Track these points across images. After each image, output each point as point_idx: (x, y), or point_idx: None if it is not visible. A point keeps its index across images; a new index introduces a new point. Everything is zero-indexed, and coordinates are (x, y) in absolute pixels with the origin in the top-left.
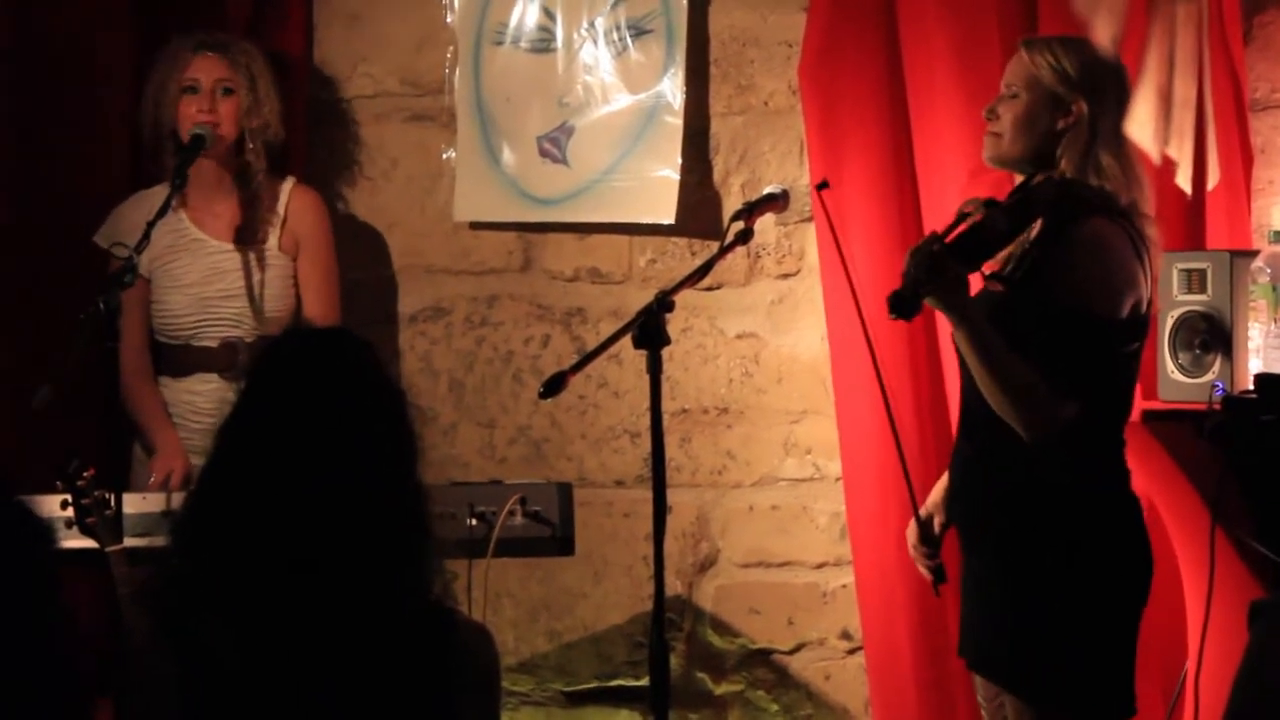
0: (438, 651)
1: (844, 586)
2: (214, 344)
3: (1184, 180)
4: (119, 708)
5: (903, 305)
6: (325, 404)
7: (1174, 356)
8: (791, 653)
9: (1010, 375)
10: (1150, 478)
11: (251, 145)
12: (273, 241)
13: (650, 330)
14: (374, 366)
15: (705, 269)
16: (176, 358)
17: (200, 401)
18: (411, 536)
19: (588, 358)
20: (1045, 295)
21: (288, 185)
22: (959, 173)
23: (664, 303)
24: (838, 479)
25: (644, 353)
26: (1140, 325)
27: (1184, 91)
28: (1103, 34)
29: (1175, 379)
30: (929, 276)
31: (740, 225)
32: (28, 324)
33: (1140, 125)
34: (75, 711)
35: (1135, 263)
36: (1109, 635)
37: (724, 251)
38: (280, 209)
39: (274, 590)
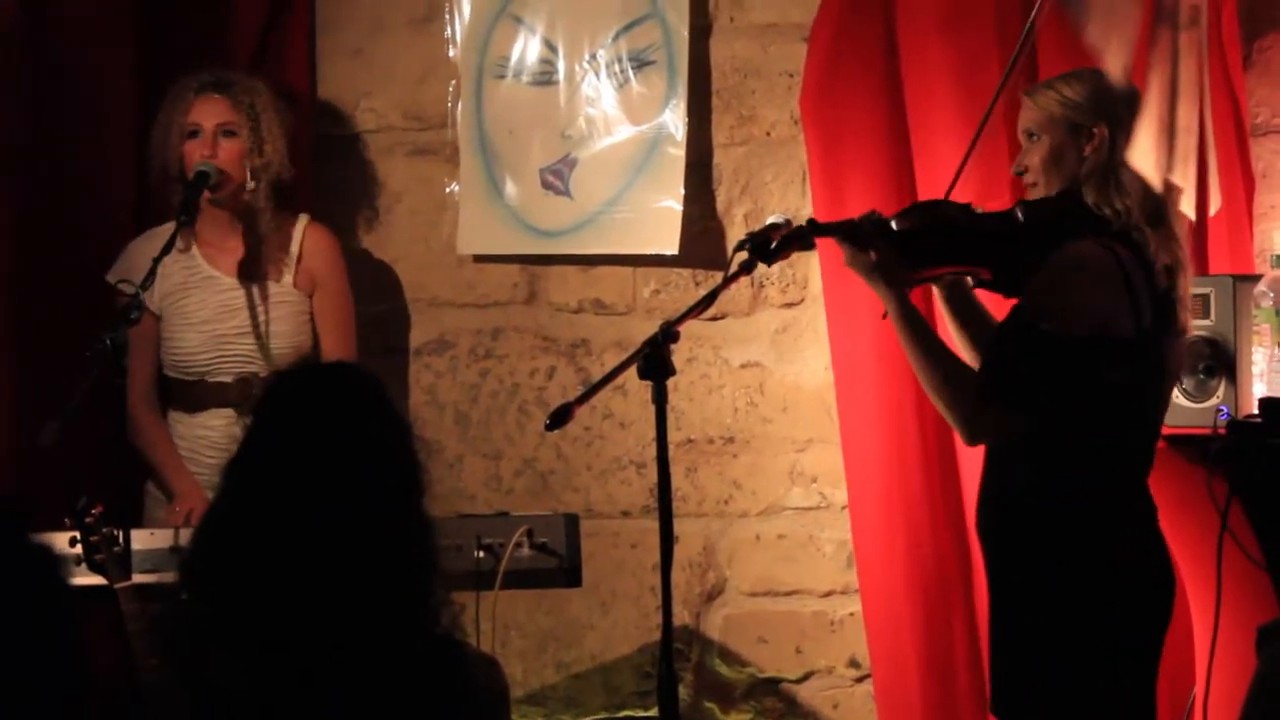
0: (447, 684)
1: (851, 614)
2: (229, 379)
3: (1188, 206)
4: None
5: (757, 243)
6: (331, 438)
7: (1179, 382)
8: (799, 681)
9: (944, 376)
10: (1156, 503)
11: (253, 185)
12: (288, 279)
13: (655, 361)
14: (380, 400)
15: (710, 299)
16: (190, 394)
17: (215, 436)
18: (418, 570)
19: (593, 389)
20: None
21: (301, 223)
22: (961, 199)
23: (669, 333)
24: (844, 507)
25: (649, 384)
26: (1125, 351)
27: (1186, 118)
28: (1114, 65)
29: (1180, 404)
30: (789, 238)
31: (744, 255)
32: (36, 361)
33: (1142, 154)
34: None
35: (1115, 287)
36: (1128, 670)
37: (728, 281)
38: (294, 247)
39: (282, 625)
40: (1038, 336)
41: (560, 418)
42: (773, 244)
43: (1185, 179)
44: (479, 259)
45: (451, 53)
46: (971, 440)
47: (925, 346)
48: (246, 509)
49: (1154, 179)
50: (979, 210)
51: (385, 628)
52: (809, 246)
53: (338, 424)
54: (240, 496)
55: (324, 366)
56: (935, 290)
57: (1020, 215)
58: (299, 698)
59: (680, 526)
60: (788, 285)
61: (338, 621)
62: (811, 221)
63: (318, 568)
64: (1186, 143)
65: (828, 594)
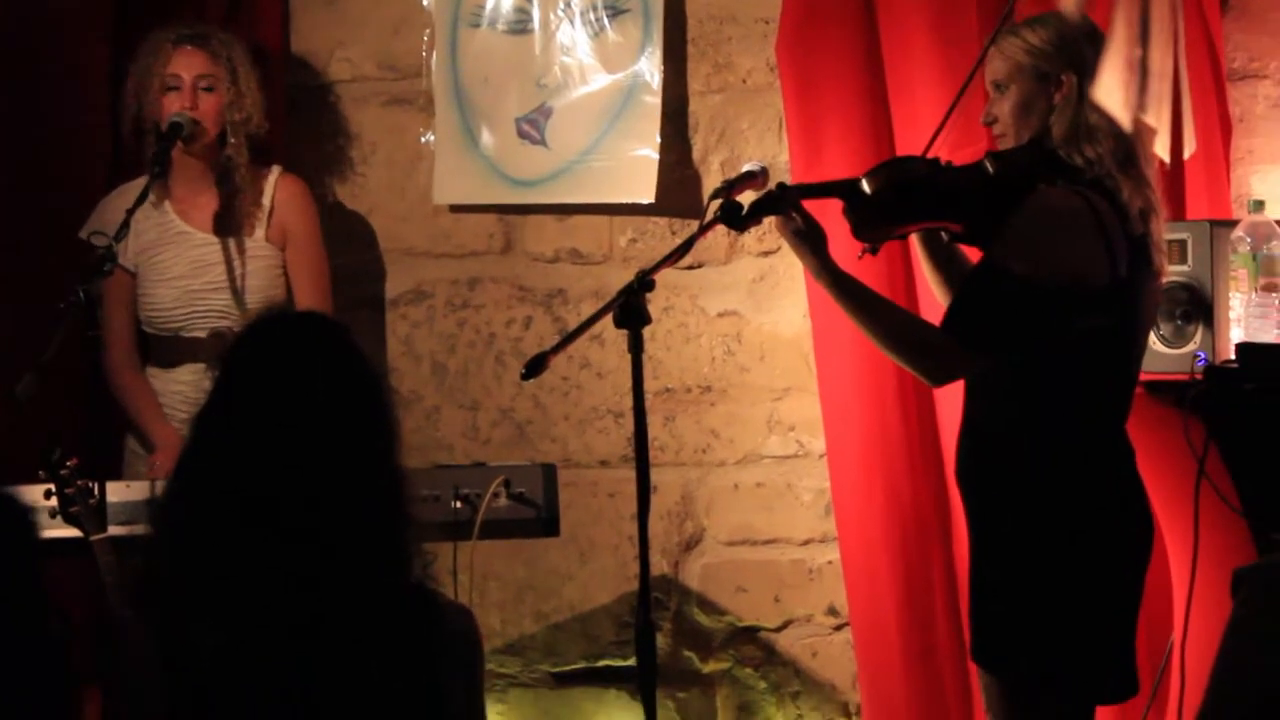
0: (420, 633)
1: (830, 563)
2: (203, 334)
3: (1162, 149)
4: (108, 696)
5: (730, 214)
6: (300, 387)
7: (1156, 327)
8: (778, 630)
9: (891, 330)
10: (1134, 448)
11: (234, 139)
12: (260, 233)
13: (631, 310)
14: (350, 349)
15: (685, 248)
16: (165, 349)
17: (189, 391)
18: (390, 519)
19: (568, 338)
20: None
21: (273, 175)
22: (938, 147)
23: (644, 282)
24: (822, 455)
25: (625, 333)
26: (1099, 298)
27: (1160, 61)
28: (1069, 3)
29: (1157, 350)
30: (766, 202)
31: (719, 202)
32: (10, 317)
33: (1107, 92)
34: (64, 698)
35: (1088, 234)
36: (1108, 613)
37: (703, 230)
38: (266, 200)
39: (253, 576)
40: (1006, 280)
41: (535, 367)
42: (743, 210)
43: (1158, 120)
44: (455, 209)
45: (426, 1)
46: (936, 384)
47: (863, 305)
48: (215, 460)
49: (1122, 117)
50: (948, 164)
51: (358, 578)
52: (781, 211)
53: (304, 373)
54: (208, 448)
55: (291, 315)
56: (912, 236)
57: (990, 167)
58: (271, 650)
59: (658, 476)
60: (765, 234)
61: (309, 573)
62: (782, 186)
63: (287, 519)
64: (1160, 86)
65: (806, 542)
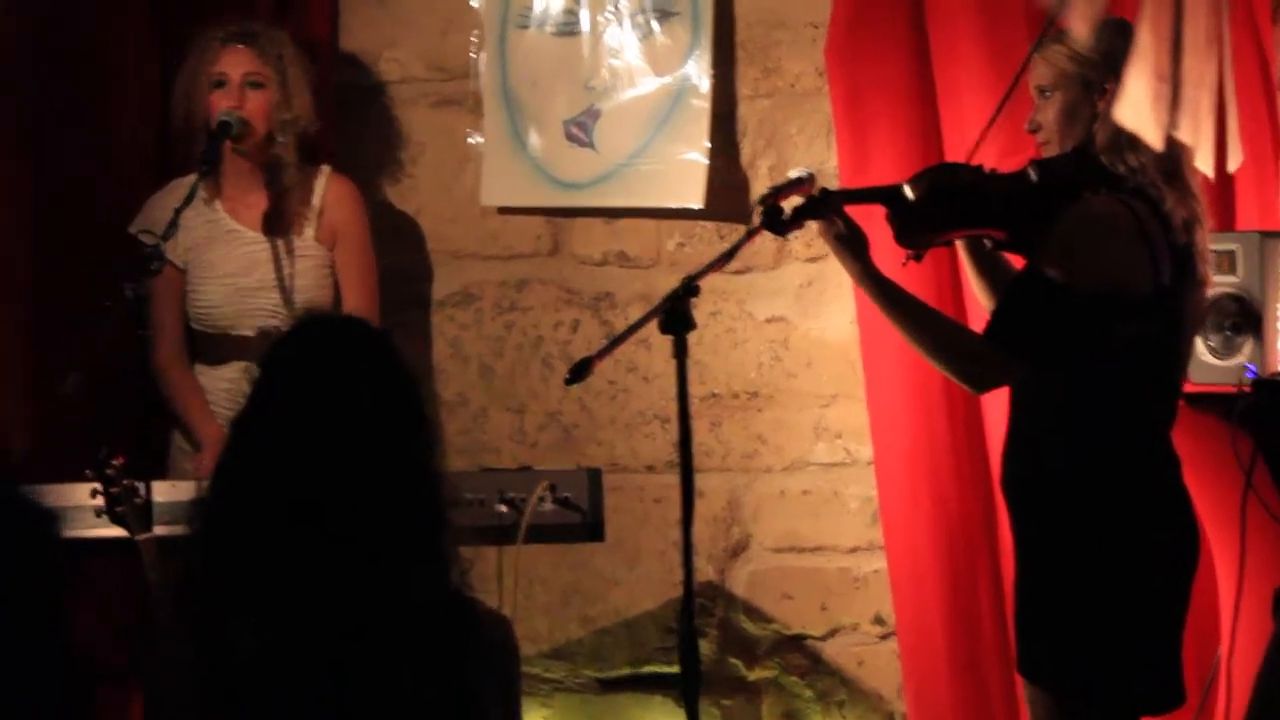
0: (456, 641)
1: (876, 571)
2: (251, 333)
3: (1204, 163)
4: (147, 694)
5: (772, 218)
6: (338, 392)
7: (1205, 339)
8: (824, 638)
9: (933, 338)
10: (1181, 460)
11: (282, 138)
12: (309, 232)
13: (676, 315)
14: (389, 354)
15: (730, 254)
16: (213, 346)
17: (237, 389)
18: (428, 525)
19: (613, 344)
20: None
21: (323, 175)
22: (988, 151)
23: (689, 288)
24: (869, 463)
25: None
26: (1141, 306)
27: (1199, 71)
28: (1079, 24)
29: (1206, 361)
30: (808, 207)
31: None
32: (59, 316)
33: (1133, 108)
34: (75, 700)
35: (1130, 242)
36: (1154, 624)
37: (749, 236)
38: (316, 200)
39: (288, 580)
40: (1047, 288)
41: (580, 372)
42: (785, 215)
43: (1196, 135)
44: (503, 211)
45: (475, 2)
46: (978, 391)
47: (905, 311)
48: (252, 464)
49: (1150, 134)
50: (991, 172)
51: (394, 584)
52: (823, 216)
53: (343, 377)
54: (247, 451)
55: (331, 319)
56: (957, 243)
57: (1033, 175)
58: (305, 655)
59: (705, 481)
60: (813, 239)
61: (345, 578)
62: (824, 191)
63: (324, 523)
64: (1198, 97)
65: (853, 550)
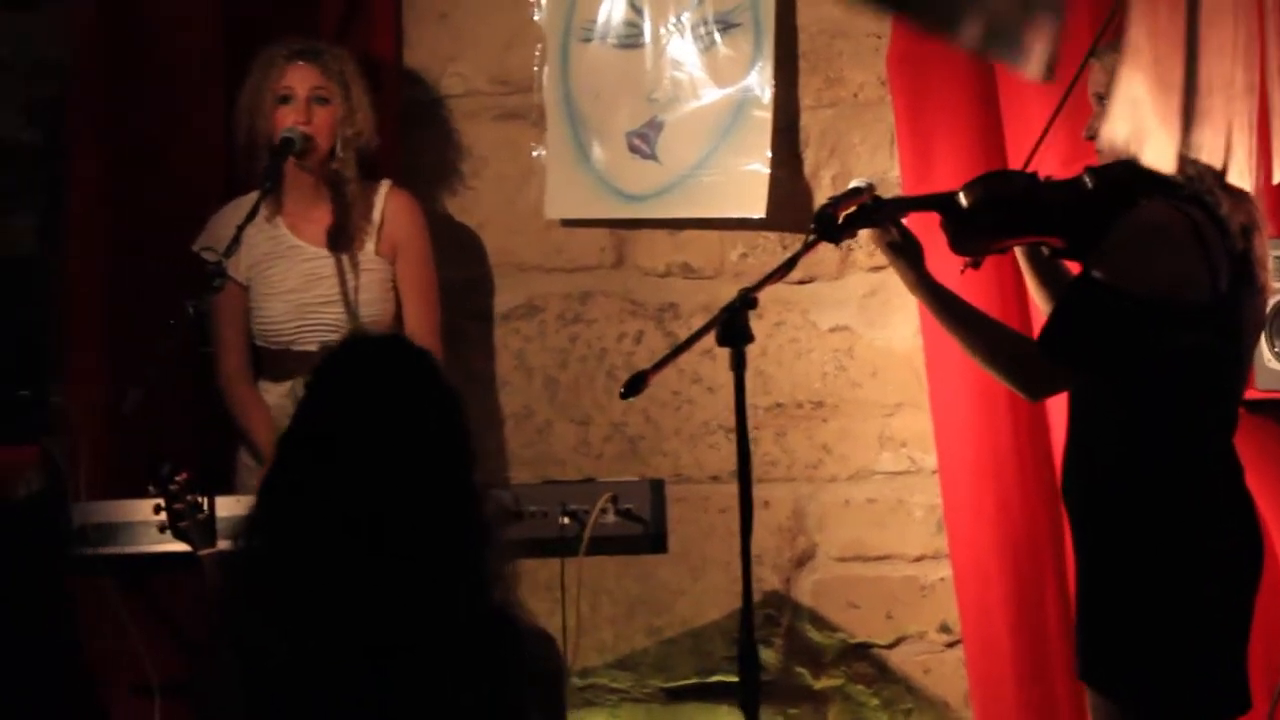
0: (498, 658)
1: (942, 579)
2: (314, 348)
3: (1239, 176)
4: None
5: (825, 225)
6: (380, 411)
7: (1271, 344)
8: (890, 646)
9: (987, 345)
10: (1247, 466)
11: (344, 154)
12: (370, 247)
13: (733, 327)
14: (431, 373)
15: (789, 265)
16: (276, 362)
17: (290, 407)
18: (469, 543)
19: (668, 357)
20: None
21: (383, 189)
22: (1051, 158)
23: (746, 300)
24: (933, 471)
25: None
26: (1199, 314)
27: (1231, 77)
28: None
29: (1272, 367)
30: (861, 215)
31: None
32: (125, 334)
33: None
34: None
35: (1188, 249)
36: (1218, 630)
37: (806, 249)
38: (376, 214)
39: (331, 597)
40: (1100, 294)
41: (635, 386)
42: (840, 221)
43: (1225, 146)
44: (566, 223)
45: (537, 16)
46: (1033, 398)
47: (959, 318)
48: (296, 483)
49: (1152, 153)
50: (1047, 179)
51: (436, 601)
52: (877, 223)
53: (384, 396)
54: (290, 470)
55: (373, 340)
56: (1016, 249)
57: (1088, 182)
58: (348, 671)
59: (770, 491)
60: (875, 249)
61: (387, 595)
62: (877, 199)
63: (365, 541)
64: (1226, 104)
65: (918, 559)
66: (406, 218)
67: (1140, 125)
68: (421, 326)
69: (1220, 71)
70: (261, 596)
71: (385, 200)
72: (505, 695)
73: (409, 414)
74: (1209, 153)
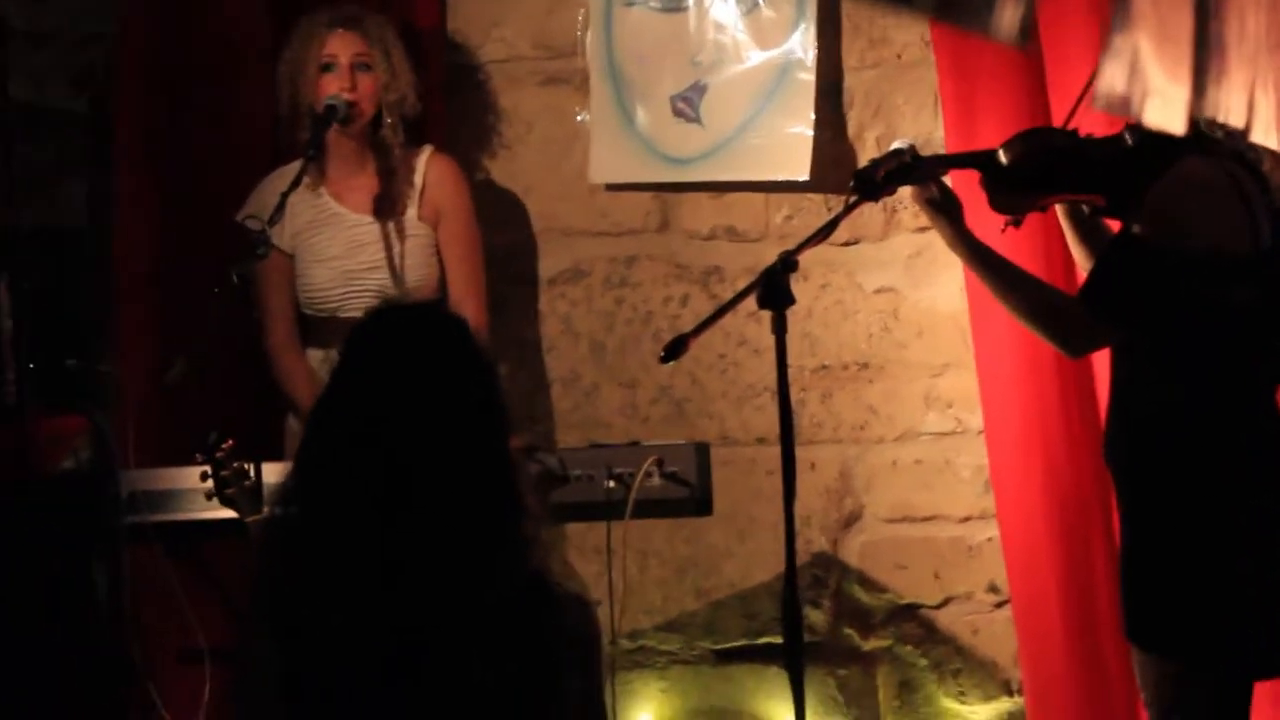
0: (534, 625)
1: (989, 540)
2: (359, 315)
3: (1263, 134)
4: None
5: (864, 183)
6: (413, 379)
7: None
8: (939, 607)
9: (1027, 301)
10: None
11: (389, 120)
12: (412, 212)
13: (774, 290)
14: (464, 340)
15: (830, 228)
16: (323, 329)
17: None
18: (504, 510)
19: (708, 321)
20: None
21: (424, 155)
22: (1096, 119)
23: (787, 263)
24: (980, 432)
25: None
26: (1243, 269)
27: (1266, 33)
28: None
29: None
30: (900, 172)
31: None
32: (174, 303)
33: (1106, 86)
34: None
35: (1230, 205)
36: (1264, 587)
37: (848, 210)
38: (418, 179)
39: (366, 566)
40: (1140, 250)
41: (675, 350)
42: (879, 178)
43: (1235, 105)
44: (611, 187)
45: None
46: (1074, 355)
47: (999, 274)
48: (329, 451)
49: (1155, 111)
50: (1087, 136)
51: (470, 570)
52: (917, 181)
53: (417, 364)
54: (323, 438)
55: (405, 308)
56: (1057, 207)
57: (1129, 139)
58: (382, 640)
59: (816, 453)
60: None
61: (421, 564)
62: (916, 156)
63: (399, 509)
64: (1248, 60)
65: (965, 519)
66: (449, 183)
67: (1144, 84)
68: (465, 291)
69: (1238, 28)
70: (296, 565)
71: (427, 166)
72: (542, 662)
73: (441, 382)
74: (1229, 112)
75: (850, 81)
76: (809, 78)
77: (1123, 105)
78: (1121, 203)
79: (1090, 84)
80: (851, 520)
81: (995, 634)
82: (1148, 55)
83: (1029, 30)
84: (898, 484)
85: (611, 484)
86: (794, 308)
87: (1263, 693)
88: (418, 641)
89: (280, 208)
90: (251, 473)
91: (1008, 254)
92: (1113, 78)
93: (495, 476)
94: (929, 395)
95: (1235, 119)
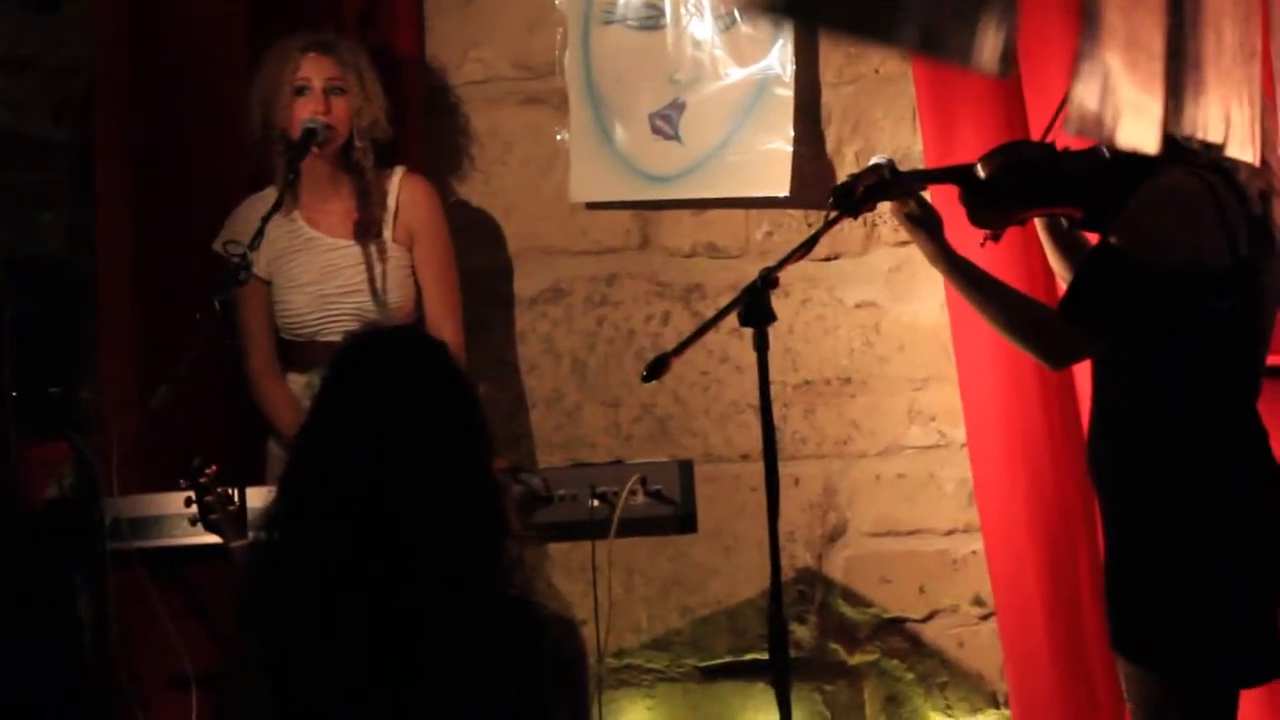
0: (519, 647)
1: (974, 553)
2: (338, 338)
3: (1239, 148)
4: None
5: (843, 199)
6: (394, 404)
7: None
8: (924, 621)
9: (1007, 314)
10: (1270, 433)
11: (360, 144)
12: (386, 234)
13: (755, 308)
14: (443, 365)
15: (809, 244)
16: (303, 354)
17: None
18: (486, 533)
19: (690, 339)
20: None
21: (396, 176)
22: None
23: (768, 280)
24: (963, 445)
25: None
26: (1220, 279)
27: (1238, 44)
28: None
29: None
30: (879, 187)
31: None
32: (155, 330)
33: (1078, 104)
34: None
35: (1206, 216)
36: (1245, 595)
37: (827, 226)
38: (391, 201)
39: (349, 589)
40: (1119, 262)
41: (656, 369)
42: (858, 194)
43: (1213, 121)
44: (591, 206)
45: (558, 0)
46: (1055, 367)
47: (979, 288)
48: (311, 475)
49: (1105, 129)
50: (1064, 150)
51: (454, 592)
52: (895, 196)
53: (398, 389)
54: (306, 463)
55: (387, 332)
56: (1036, 220)
57: (1106, 152)
58: (366, 663)
59: (800, 468)
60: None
61: (404, 587)
62: (894, 171)
63: (383, 534)
64: (1223, 74)
65: (949, 532)
66: (422, 203)
67: (1116, 105)
68: (442, 311)
69: (1214, 41)
70: (282, 589)
71: (400, 187)
72: (528, 682)
73: (423, 406)
74: (1207, 129)
75: (828, 97)
76: (787, 93)
77: (1095, 127)
78: (1099, 215)
79: (1066, 99)
80: (836, 535)
81: (981, 647)
82: (1118, 73)
83: (1010, 59)
84: (881, 498)
85: (596, 503)
86: (776, 323)
87: (1258, 697)
88: (404, 664)
89: (260, 232)
90: (235, 497)
91: (988, 268)
92: (1085, 100)
93: (479, 499)
94: (911, 409)
95: (1214, 134)
